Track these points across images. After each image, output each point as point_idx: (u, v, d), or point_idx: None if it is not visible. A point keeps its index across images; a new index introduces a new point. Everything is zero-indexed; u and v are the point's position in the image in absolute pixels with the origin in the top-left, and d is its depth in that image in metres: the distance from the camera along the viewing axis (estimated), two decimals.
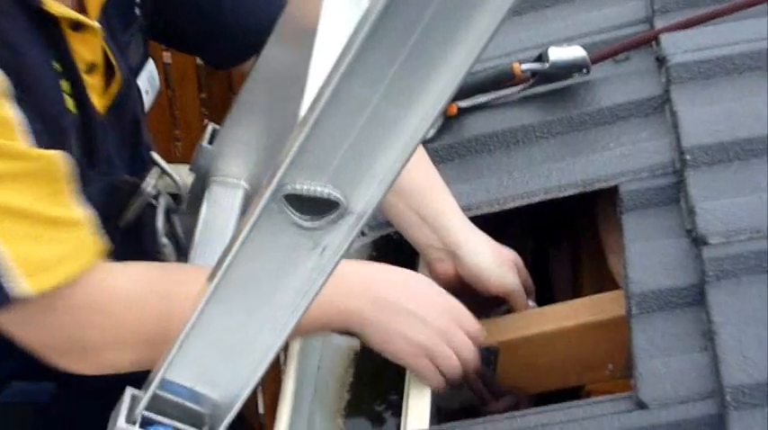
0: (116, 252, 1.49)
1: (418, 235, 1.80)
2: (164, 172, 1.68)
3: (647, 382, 1.45)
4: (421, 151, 1.80)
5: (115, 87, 1.57)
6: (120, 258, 1.50)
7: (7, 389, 1.63)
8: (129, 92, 1.62)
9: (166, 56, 4.19)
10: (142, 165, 1.68)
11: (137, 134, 1.68)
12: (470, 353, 1.61)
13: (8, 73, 1.34)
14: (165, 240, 1.69)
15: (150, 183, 1.65)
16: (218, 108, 4.15)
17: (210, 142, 1.85)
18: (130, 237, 1.64)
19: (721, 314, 1.46)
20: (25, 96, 1.36)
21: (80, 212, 1.40)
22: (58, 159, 1.37)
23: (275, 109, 1.75)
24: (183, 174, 1.82)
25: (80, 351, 1.42)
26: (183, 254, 1.77)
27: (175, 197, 1.76)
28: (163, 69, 4.34)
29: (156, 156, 1.69)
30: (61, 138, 1.44)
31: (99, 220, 1.46)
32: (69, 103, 1.47)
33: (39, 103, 1.39)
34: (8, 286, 1.32)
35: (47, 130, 1.39)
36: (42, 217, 1.35)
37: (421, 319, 1.57)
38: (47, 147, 1.37)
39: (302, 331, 1.58)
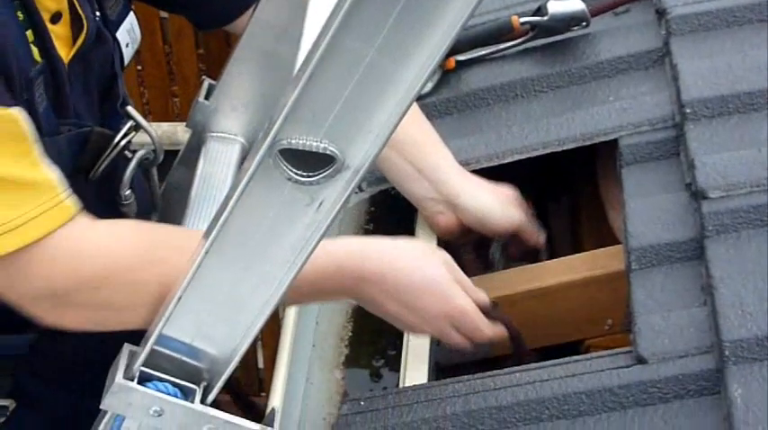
0: (87, 204, 1.48)
1: (415, 188, 1.79)
2: (138, 125, 1.66)
3: (645, 337, 1.45)
4: (414, 105, 1.79)
5: (82, 38, 1.55)
6: (91, 210, 1.49)
7: None
8: (100, 43, 1.59)
9: (163, 11, 4.17)
10: (117, 120, 1.66)
11: (111, 87, 1.66)
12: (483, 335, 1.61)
13: None
14: (128, 192, 1.66)
15: (122, 135, 1.62)
16: (216, 63, 4.13)
17: (207, 98, 1.84)
18: (103, 189, 1.62)
19: (720, 268, 1.46)
20: None
21: (48, 173, 1.37)
22: (19, 116, 1.34)
23: (272, 64, 1.74)
24: (179, 131, 1.81)
25: (62, 306, 1.40)
26: (154, 208, 1.76)
27: (152, 152, 1.74)
28: (160, 25, 4.33)
29: (131, 109, 1.67)
30: (28, 88, 1.42)
31: (68, 172, 1.44)
32: (35, 52, 1.45)
33: (3, 55, 1.37)
34: None
35: (11, 85, 1.37)
36: (7, 179, 1.33)
37: (434, 316, 1.57)
38: (3, 102, 1.33)
39: (307, 299, 1.61)
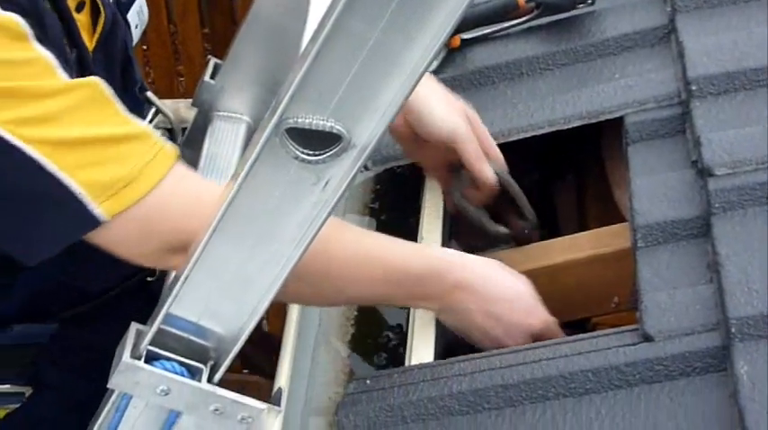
0: None
1: None
2: (158, 110, 1.67)
3: (652, 315, 1.45)
4: None
5: (101, 24, 1.56)
6: None
7: (8, 331, 1.64)
8: (116, 29, 1.60)
9: None
10: (134, 103, 1.67)
11: (127, 71, 1.67)
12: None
13: (27, 16, 1.34)
14: None
15: (148, 122, 1.64)
16: (221, 43, 4.13)
17: (213, 77, 1.84)
18: None
19: (727, 246, 1.46)
20: (43, 36, 1.37)
21: (138, 126, 1.41)
22: (98, 82, 1.38)
23: (278, 43, 1.74)
24: (181, 108, 1.81)
25: (179, 251, 1.41)
26: None
27: (169, 132, 1.75)
28: (165, 4, 4.32)
29: (151, 95, 1.68)
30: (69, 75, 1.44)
31: None
32: (66, 42, 1.47)
33: (51, 44, 1.39)
34: (87, 215, 1.34)
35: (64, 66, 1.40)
36: (102, 139, 1.36)
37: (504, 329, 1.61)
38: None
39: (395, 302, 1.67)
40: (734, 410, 1.30)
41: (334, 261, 1.48)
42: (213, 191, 1.40)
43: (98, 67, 1.56)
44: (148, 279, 1.77)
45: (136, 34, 1.71)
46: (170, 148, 1.40)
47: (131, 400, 1.29)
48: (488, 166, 1.77)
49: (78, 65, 1.50)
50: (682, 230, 1.55)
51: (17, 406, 1.66)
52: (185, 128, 1.89)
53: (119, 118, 1.39)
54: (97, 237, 1.38)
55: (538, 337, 1.61)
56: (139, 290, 1.78)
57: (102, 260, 1.44)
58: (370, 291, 1.55)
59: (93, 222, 1.35)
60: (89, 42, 1.53)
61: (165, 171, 1.38)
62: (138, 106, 1.67)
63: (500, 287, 1.61)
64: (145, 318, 1.33)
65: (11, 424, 1.68)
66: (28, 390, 1.65)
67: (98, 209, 1.35)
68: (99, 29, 1.55)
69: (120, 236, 1.39)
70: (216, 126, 1.83)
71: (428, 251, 1.61)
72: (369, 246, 1.53)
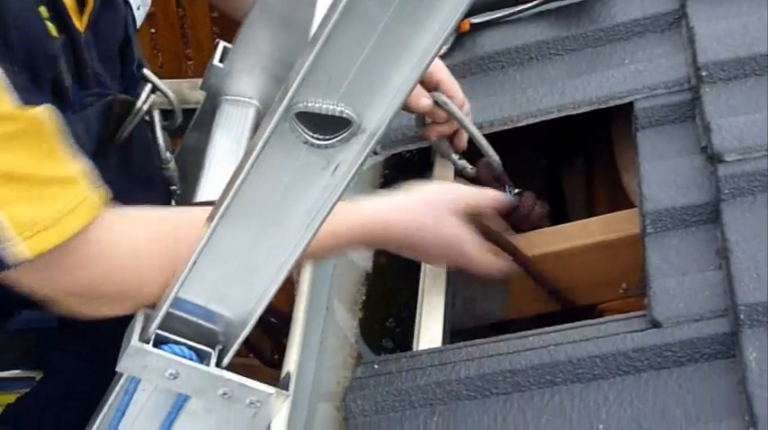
0: (114, 173, 1.48)
1: None
2: (156, 88, 1.65)
3: (660, 301, 1.44)
4: None
5: (90, 6, 1.53)
6: (114, 175, 1.49)
7: (15, 317, 1.63)
8: (109, 9, 1.58)
9: None
10: (135, 83, 1.66)
11: (126, 52, 1.65)
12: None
13: None
14: (168, 155, 1.67)
15: (144, 100, 1.62)
16: (229, 26, 4.11)
17: (221, 61, 1.83)
18: (124, 154, 1.63)
19: (736, 232, 1.46)
20: (6, 34, 1.32)
21: (74, 168, 1.35)
22: (45, 115, 1.31)
23: (286, 26, 1.73)
24: (184, 89, 1.80)
25: (98, 300, 1.40)
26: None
27: (169, 113, 1.74)
28: None
29: (148, 72, 1.66)
30: (53, 67, 1.42)
31: (96, 143, 1.44)
32: (51, 28, 1.44)
33: (22, 38, 1.35)
34: (7, 251, 1.28)
35: (37, 72, 1.36)
36: (36, 178, 1.30)
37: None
38: (29, 100, 1.30)
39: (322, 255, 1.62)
40: (742, 397, 1.30)
41: None
42: (149, 242, 1.38)
43: (93, 47, 1.54)
44: None
45: (139, 15, 1.69)
46: (97, 199, 1.35)
47: (140, 384, 1.29)
48: (423, 97, 1.77)
49: (70, 48, 1.47)
50: (691, 216, 1.54)
51: (27, 390, 1.66)
52: (190, 108, 1.89)
53: (54, 157, 1.33)
54: (8, 277, 1.34)
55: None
56: None
57: None
58: None
59: (13, 258, 1.30)
60: (78, 24, 1.51)
61: (86, 221, 1.32)
62: (133, 85, 1.65)
63: (426, 239, 1.63)
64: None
65: (21, 408, 1.69)
66: (38, 375, 1.65)
67: (19, 246, 1.29)
68: (88, 9, 1.53)
69: (32, 278, 1.35)
70: (224, 110, 1.83)
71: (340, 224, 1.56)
72: None
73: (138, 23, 1.72)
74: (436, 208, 1.65)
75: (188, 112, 2.28)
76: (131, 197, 1.42)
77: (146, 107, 1.62)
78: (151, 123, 1.66)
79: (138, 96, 1.61)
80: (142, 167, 1.67)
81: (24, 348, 1.65)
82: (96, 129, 1.50)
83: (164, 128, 1.71)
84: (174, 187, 1.71)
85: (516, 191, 1.82)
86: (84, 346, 1.65)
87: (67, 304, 1.39)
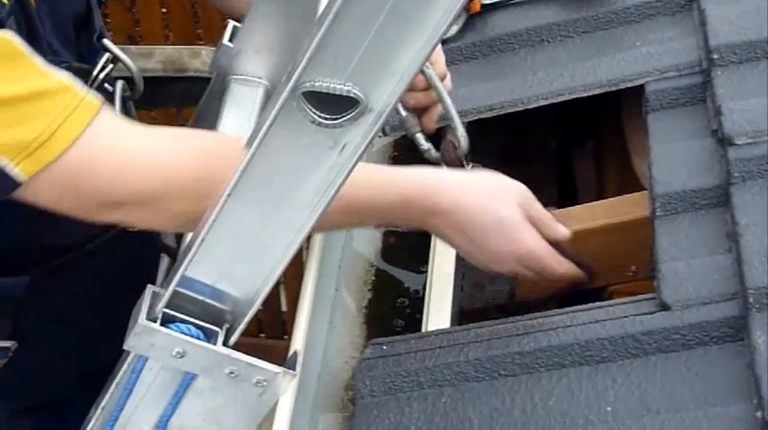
0: None
1: None
2: (116, 58, 1.61)
3: (669, 284, 1.44)
4: None
5: None
6: None
7: None
8: None
9: None
10: (95, 54, 1.62)
11: (87, 21, 1.61)
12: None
13: None
14: None
15: (99, 68, 1.57)
16: None
17: (231, 40, 1.83)
18: None
19: (746, 215, 1.45)
20: None
21: (57, 77, 1.32)
22: (9, 36, 1.29)
23: (295, 5, 1.73)
24: (184, 56, 1.75)
25: (129, 206, 1.37)
26: None
27: (131, 82, 1.69)
28: None
29: (107, 42, 1.61)
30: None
31: None
32: None
33: None
34: (9, 174, 1.29)
35: None
36: (20, 97, 1.29)
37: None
38: None
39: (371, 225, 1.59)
40: (750, 380, 1.30)
41: None
42: (147, 141, 1.35)
43: (44, 16, 1.50)
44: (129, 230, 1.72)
45: None
46: (93, 98, 1.33)
47: (147, 362, 1.29)
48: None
49: (21, 14, 1.42)
50: (701, 199, 1.54)
51: (5, 361, 1.65)
52: (181, 76, 1.86)
53: (34, 71, 1.31)
54: (24, 196, 1.33)
55: (528, 265, 1.59)
56: (120, 240, 1.73)
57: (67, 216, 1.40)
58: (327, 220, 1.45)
59: (13, 184, 1.30)
60: None
61: (83, 125, 1.30)
62: (93, 56, 1.60)
63: (476, 214, 1.53)
64: (128, 269, 1.32)
65: (1, 379, 1.67)
66: (12, 344, 1.62)
67: (16, 169, 1.29)
68: None
69: (46, 194, 1.34)
70: (233, 89, 1.83)
71: (398, 180, 1.52)
72: None
73: None
74: (504, 197, 1.57)
75: (186, 80, 2.26)
76: None
77: (102, 76, 1.57)
78: (112, 94, 1.61)
79: (95, 66, 1.57)
80: None
81: (2, 319, 1.62)
82: None
83: (125, 98, 1.65)
84: None
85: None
86: (60, 307, 1.63)
87: (100, 215, 1.38)
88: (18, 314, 1.60)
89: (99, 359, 1.37)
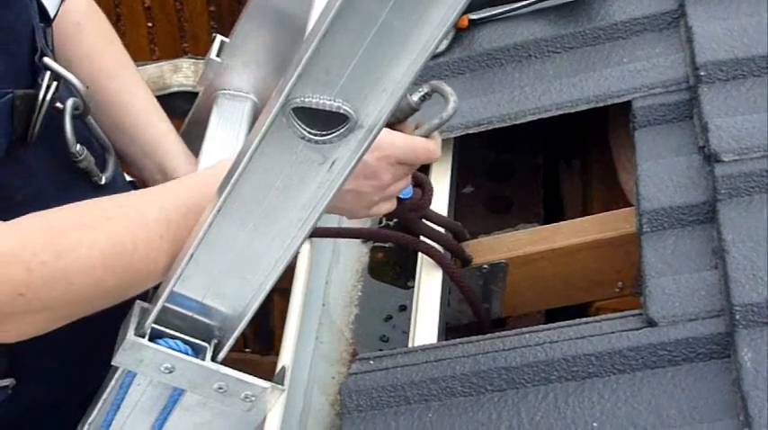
0: (39, 171, 1.46)
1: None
2: (58, 76, 1.57)
3: (656, 300, 1.44)
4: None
5: None
6: (45, 170, 1.47)
7: None
8: (7, 6, 1.51)
9: None
10: (38, 74, 1.59)
11: (31, 44, 1.58)
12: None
13: None
14: (78, 148, 1.60)
15: (45, 90, 1.54)
16: (227, 21, 4.11)
17: (218, 55, 1.83)
18: (49, 150, 1.56)
19: (733, 232, 1.46)
20: None
21: None
22: None
23: (284, 21, 1.73)
24: (165, 71, 1.74)
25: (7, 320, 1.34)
26: (107, 151, 1.68)
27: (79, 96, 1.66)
28: None
29: (48, 60, 1.56)
30: None
31: (7, 145, 1.40)
32: None
33: None
34: None
35: None
36: None
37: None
38: None
39: None
40: (737, 397, 1.30)
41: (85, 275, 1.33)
42: (14, 259, 1.30)
43: None
44: None
45: (51, 3, 1.61)
46: None
47: (135, 378, 1.29)
48: None
49: None
50: (688, 216, 1.54)
51: (4, 398, 1.63)
52: (170, 92, 1.87)
53: None
54: None
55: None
56: None
57: None
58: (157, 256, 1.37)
59: None
60: None
61: None
62: (35, 73, 1.57)
63: None
64: (118, 305, 1.32)
65: (4, 410, 1.65)
66: (11, 382, 1.61)
67: None
68: None
69: None
70: (221, 104, 1.83)
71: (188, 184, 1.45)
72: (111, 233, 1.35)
73: (52, 12, 1.62)
74: None
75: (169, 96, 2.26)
76: (67, 196, 1.38)
77: (49, 97, 1.53)
78: (62, 113, 1.59)
79: (40, 88, 1.51)
80: (65, 160, 1.61)
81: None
82: (3, 132, 1.42)
83: (75, 116, 1.62)
84: (95, 178, 1.64)
85: None
86: (53, 340, 1.62)
87: None
88: (13, 352, 1.59)
89: (99, 384, 1.36)
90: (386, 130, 1.42)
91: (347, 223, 1.79)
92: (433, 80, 1.49)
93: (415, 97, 1.44)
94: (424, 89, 1.44)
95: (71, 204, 1.41)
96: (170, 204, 1.34)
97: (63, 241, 1.31)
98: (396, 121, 1.46)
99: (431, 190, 1.63)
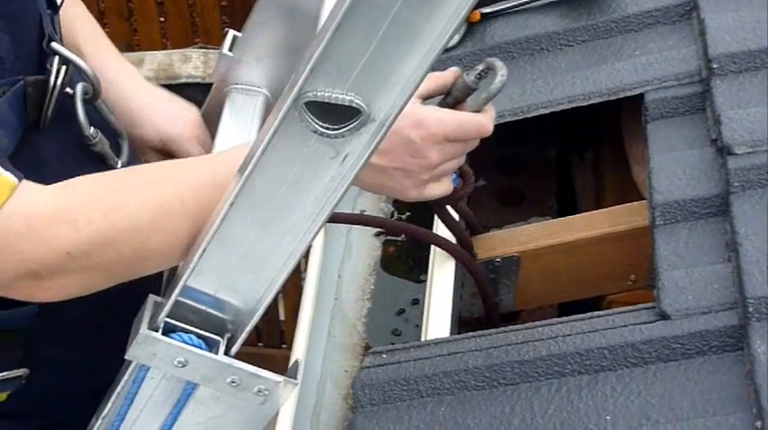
0: (53, 156, 1.47)
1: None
2: (67, 60, 1.57)
3: (669, 293, 1.44)
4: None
5: None
6: (57, 156, 1.47)
7: None
8: None
9: None
10: (47, 60, 1.59)
11: (39, 31, 1.58)
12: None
13: None
14: (92, 131, 1.61)
15: (55, 75, 1.54)
16: (239, 15, 4.12)
17: (230, 50, 1.83)
18: (62, 134, 1.57)
19: (745, 225, 1.46)
20: None
21: None
22: None
23: (295, 15, 1.73)
24: (175, 61, 1.74)
25: (30, 279, 1.34)
26: (120, 136, 1.70)
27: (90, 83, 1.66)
28: None
29: (56, 45, 1.55)
30: None
31: (21, 131, 1.40)
32: None
33: None
34: None
35: None
36: None
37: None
38: None
39: None
40: (750, 389, 1.30)
41: (132, 236, 1.35)
42: (62, 218, 1.32)
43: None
44: None
45: None
46: (8, 179, 1.31)
47: (149, 372, 1.29)
48: None
49: None
50: (700, 209, 1.54)
51: (16, 388, 1.63)
52: (174, 83, 1.87)
53: None
54: None
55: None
56: None
57: None
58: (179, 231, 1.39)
59: None
60: None
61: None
62: (47, 62, 1.57)
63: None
64: (133, 283, 1.32)
65: (12, 404, 1.66)
66: (24, 372, 1.61)
67: None
68: None
69: None
70: (233, 98, 1.83)
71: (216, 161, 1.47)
72: (157, 197, 1.37)
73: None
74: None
75: (184, 86, 2.25)
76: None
77: (59, 82, 1.54)
78: (72, 98, 1.59)
79: (49, 74, 1.51)
80: (80, 144, 1.61)
81: (8, 349, 1.61)
82: (17, 118, 1.43)
83: (86, 101, 1.63)
84: (111, 162, 1.64)
85: None
86: (66, 330, 1.61)
87: (13, 292, 1.37)
88: (27, 342, 1.59)
89: (111, 374, 1.37)
90: (432, 108, 1.44)
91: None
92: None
93: (472, 76, 1.44)
94: (480, 67, 1.45)
95: (115, 170, 1.42)
96: (219, 171, 1.35)
97: (110, 200, 1.33)
98: (455, 102, 1.47)
99: (471, 181, 1.61)
